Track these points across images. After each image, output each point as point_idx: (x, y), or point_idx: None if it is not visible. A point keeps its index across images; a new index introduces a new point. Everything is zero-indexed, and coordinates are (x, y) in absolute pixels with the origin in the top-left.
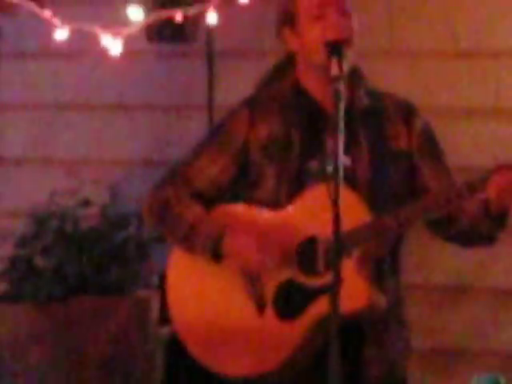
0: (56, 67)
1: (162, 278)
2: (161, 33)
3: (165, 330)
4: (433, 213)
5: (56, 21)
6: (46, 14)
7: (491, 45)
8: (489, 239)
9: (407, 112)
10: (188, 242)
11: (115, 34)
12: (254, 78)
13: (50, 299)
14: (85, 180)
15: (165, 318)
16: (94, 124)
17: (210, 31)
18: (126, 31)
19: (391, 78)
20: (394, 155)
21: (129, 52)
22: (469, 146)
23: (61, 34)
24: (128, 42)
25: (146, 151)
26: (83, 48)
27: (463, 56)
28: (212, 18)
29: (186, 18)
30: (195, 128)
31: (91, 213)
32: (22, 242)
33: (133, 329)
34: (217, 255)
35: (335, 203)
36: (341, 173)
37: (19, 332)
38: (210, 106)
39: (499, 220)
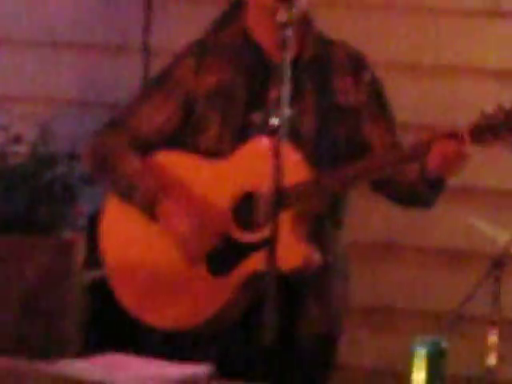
0: None
1: (90, 220)
2: None
3: (90, 274)
4: (375, 174)
5: None
6: None
7: None
8: (426, 203)
9: (357, 64)
10: (125, 197)
11: None
12: (192, 22)
13: None
14: (15, 116)
15: (91, 262)
16: (27, 60)
17: None
18: None
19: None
20: (339, 109)
21: None
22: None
23: None
24: None
25: (78, 91)
26: None
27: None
28: None
29: None
30: (130, 70)
31: (21, 150)
32: None
33: (57, 270)
34: (151, 214)
35: (276, 156)
36: (284, 126)
37: None
38: (146, 48)
39: (437, 185)
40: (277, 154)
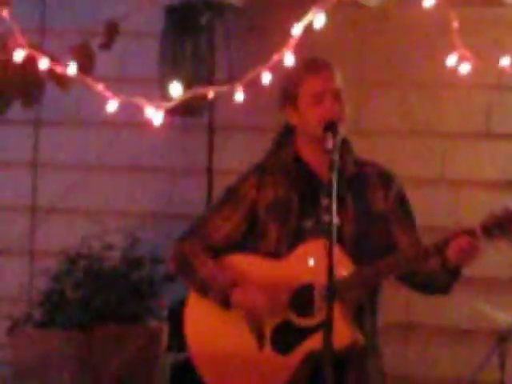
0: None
1: (171, 311)
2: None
3: (172, 356)
4: (404, 267)
5: (109, 93)
6: (99, 87)
7: None
8: (445, 290)
9: (386, 178)
10: (202, 293)
11: (158, 107)
12: (245, 147)
13: (78, 326)
14: (109, 228)
15: (172, 346)
16: (116, 181)
17: (211, 108)
18: (167, 105)
19: None
20: (373, 216)
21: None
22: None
23: (112, 105)
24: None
25: (156, 205)
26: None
27: None
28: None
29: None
30: (196, 188)
31: (114, 255)
32: (57, 278)
33: (145, 353)
34: (226, 305)
35: (330, 256)
36: (334, 230)
37: (49, 355)
38: (210, 170)
39: (455, 275)
40: (329, 253)
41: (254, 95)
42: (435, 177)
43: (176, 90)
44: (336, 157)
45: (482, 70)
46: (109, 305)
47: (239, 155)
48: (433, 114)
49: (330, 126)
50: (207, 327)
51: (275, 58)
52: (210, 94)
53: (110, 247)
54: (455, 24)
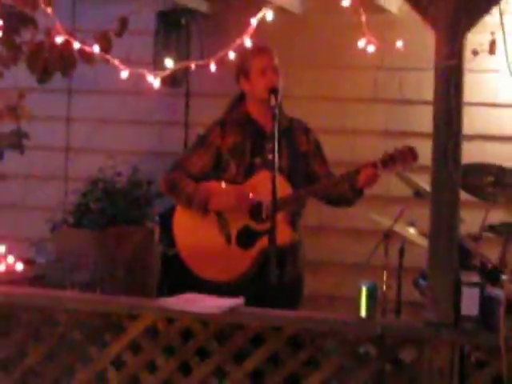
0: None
1: (160, 217)
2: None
3: (161, 247)
4: (327, 190)
5: (122, 66)
6: (116, 62)
7: None
8: (350, 204)
9: (306, 129)
10: (187, 205)
11: (156, 75)
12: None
13: (98, 227)
14: (118, 161)
15: (162, 240)
16: (124, 130)
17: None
18: (161, 74)
19: None
20: (299, 155)
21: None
22: None
23: (124, 74)
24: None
25: (150, 146)
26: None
27: None
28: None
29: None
30: (176, 136)
31: (122, 179)
32: (84, 195)
33: (145, 245)
34: (205, 211)
35: (273, 182)
36: (276, 165)
37: (79, 247)
38: (186, 123)
39: (359, 193)
40: (273, 180)
41: (220, 70)
42: (339, 129)
43: (169, 63)
44: (277, 111)
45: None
46: (119, 213)
47: (206, 113)
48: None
49: (273, 90)
50: (189, 230)
51: (238, 41)
52: (192, 66)
53: (119, 174)
54: (363, 18)
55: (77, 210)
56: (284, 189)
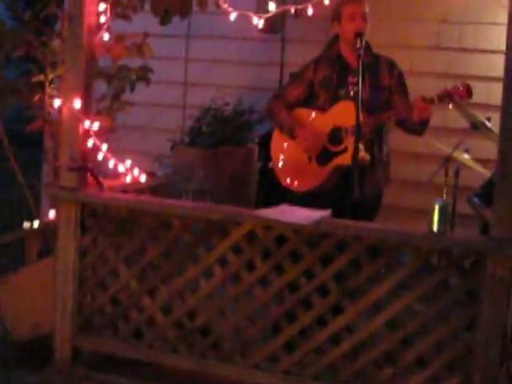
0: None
1: (260, 139)
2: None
3: (260, 163)
4: (397, 117)
5: (230, 9)
6: (226, 6)
7: None
8: (421, 133)
9: (391, 65)
10: (280, 129)
11: (259, 17)
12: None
13: (209, 147)
14: (226, 94)
15: (260, 158)
16: (231, 69)
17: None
18: (264, 16)
19: None
20: (381, 88)
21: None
22: None
23: (232, 15)
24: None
25: (252, 83)
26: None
27: None
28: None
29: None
30: (273, 75)
31: (228, 108)
32: (197, 119)
33: (247, 161)
34: (292, 136)
35: (357, 110)
36: (359, 96)
37: (193, 161)
38: (282, 64)
39: (423, 124)
40: (357, 109)
41: (311, 20)
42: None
43: (271, 6)
44: (362, 52)
45: None
46: (226, 135)
47: (299, 56)
48: None
49: (359, 35)
50: (282, 148)
51: None
52: (292, 10)
53: (226, 104)
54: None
55: (191, 131)
56: (363, 116)
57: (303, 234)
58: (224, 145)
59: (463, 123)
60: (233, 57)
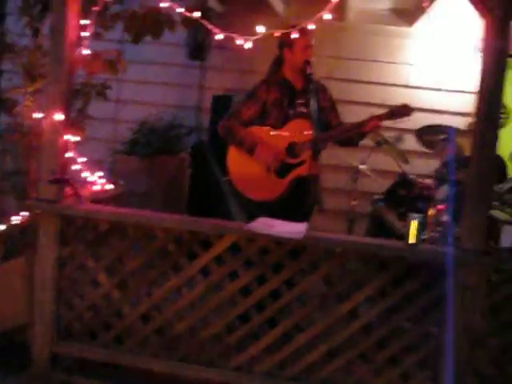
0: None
1: (193, 149)
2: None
3: (190, 171)
4: (342, 134)
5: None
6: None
7: None
8: (355, 144)
9: (324, 88)
10: (239, 146)
11: (246, 40)
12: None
13: (146, 156)
14: (157, 111)
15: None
16: (158, 91)
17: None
18: (252, 38)
19: None
20: (322, 108)
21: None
22: None
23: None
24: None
25: (174, 101)
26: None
27: None
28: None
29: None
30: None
31: (162, 123)
32: (135, 131)
33: (179, 171)
34: (252, 154)
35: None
36: (312, 114)
37: (131, 170)
38: (201, 87)
39: (362, 137)
40: (311, 125)
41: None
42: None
43: (261, 29)
44: (312, 77)
45: None
46: (161, 145)
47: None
48: None
49: (309, 63)
50: (239, 162)
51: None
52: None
53: (160, 119)
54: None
55: (129, 142)
56: (311, 133)
57: (287, 246)
58: (160, 155)
59: (369, 141)
60: (158, 79)
